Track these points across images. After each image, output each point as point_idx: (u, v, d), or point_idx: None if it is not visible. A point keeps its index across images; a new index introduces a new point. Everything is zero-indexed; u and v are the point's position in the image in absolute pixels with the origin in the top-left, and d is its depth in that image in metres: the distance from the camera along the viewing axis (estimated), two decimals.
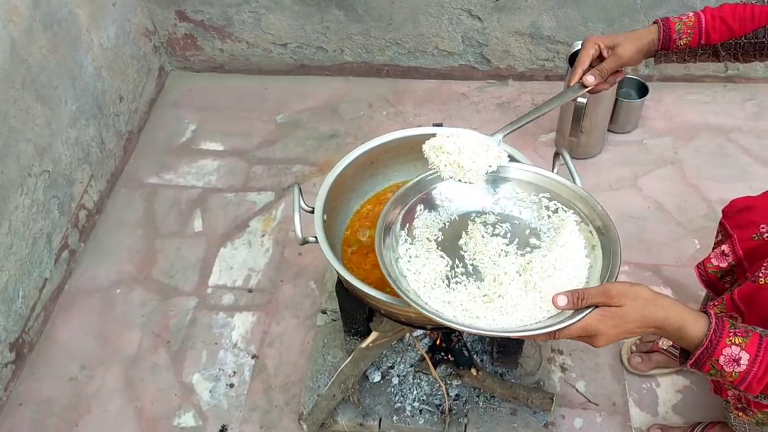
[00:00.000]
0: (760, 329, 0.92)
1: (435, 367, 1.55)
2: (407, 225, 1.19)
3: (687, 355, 0.95)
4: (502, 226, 1.20)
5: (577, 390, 1.61)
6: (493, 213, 1.22)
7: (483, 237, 1.17)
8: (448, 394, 1.56)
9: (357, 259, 1.41)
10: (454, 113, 2.35)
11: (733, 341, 0.89)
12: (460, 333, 1.58)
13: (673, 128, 2.22)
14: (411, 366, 1.61)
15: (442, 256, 1.14)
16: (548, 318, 1.01)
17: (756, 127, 2.19)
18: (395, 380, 1.59)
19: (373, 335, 1.49)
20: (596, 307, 0.93)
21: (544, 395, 1.52)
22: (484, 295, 1.07)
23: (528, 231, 1.19)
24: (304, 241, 1.28)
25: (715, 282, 1.29)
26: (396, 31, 2.35)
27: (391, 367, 1.61)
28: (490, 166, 1.20)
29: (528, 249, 1.15)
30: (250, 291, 1.88)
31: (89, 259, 1.99)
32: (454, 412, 1.54)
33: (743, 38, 1.20)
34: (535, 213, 1.22)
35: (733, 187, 1.87)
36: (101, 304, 1.88)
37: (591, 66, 1.25)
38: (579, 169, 1.36)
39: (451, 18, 2.27)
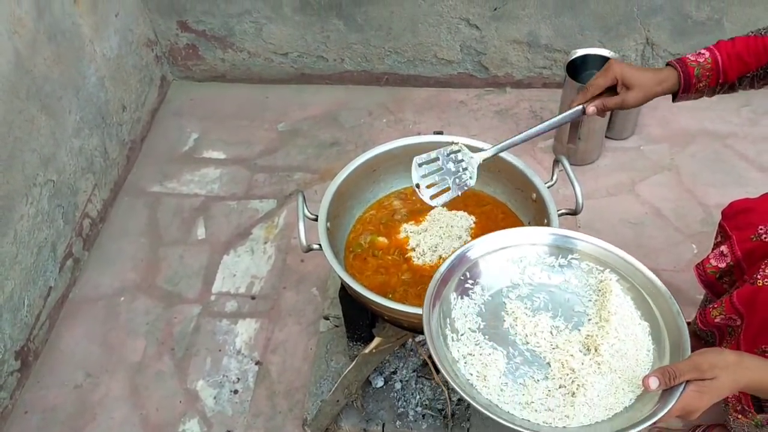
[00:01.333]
0: None
1: (437, 372, 1.56)
2: (447, 320, 1.08)
3: (758, 401, 0.98)
4: (539, 297, 1.13)
5: None
6: (524, 284, 1.15)
7: (527, 315, 1.10)
8: (450, 398, 1.57)
9: (358, 265, 1.43)
10: (453, 120, 2.37)
11: None
12: None
13: (669, 134, 2.25)
14: (413, 371, 1.62)
15: (494, 348, 1.06)
16: (635, 398, 0.98)
17: (751, 133, 2.22)
18: (398, 385, 1.61)
19: (376, 341, 1.50)
20: (687, 382, 0.91)
21: None
22: (559, 387, 1.01)
23: (568, 298, 1.13)
24: (309, 248, 1.30)
25: (714, 282, 1.31)
26: (395, 40, 2.37)
27: (394, 372, 1.63)
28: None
29: (576, 319, 1.10)
30: (253, 298, 1.90)
31: (93, 268, 2.01)
32: (456, 416, 1.56)
33: (759, 70, 1.20)
34: (568, 276, 1.15)
35: (730, 192, 1.90)
36: (105, 312, 1.89)
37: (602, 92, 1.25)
38: (577, 176, 1.39)
39: (450, 27, 2.30)
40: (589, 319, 1.09)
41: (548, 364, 1.04)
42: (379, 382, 1.61)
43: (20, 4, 1.74)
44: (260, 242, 2.04)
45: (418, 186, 1.27)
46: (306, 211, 1.35)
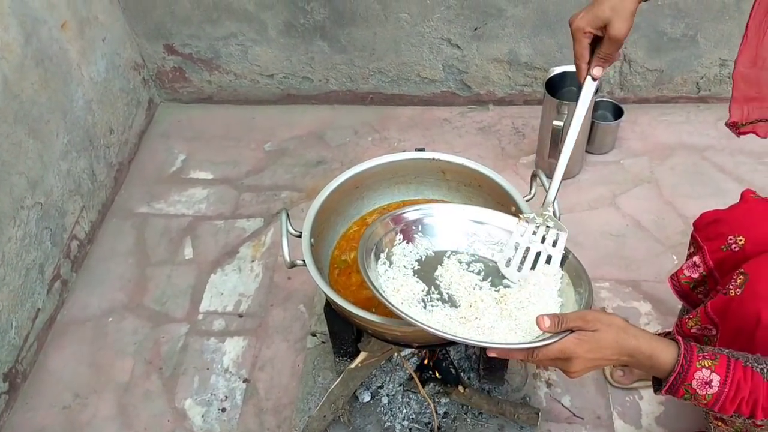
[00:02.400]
0: (727, 351, 0.97)
1: (423, 386, 1.58)
2: (386, 250, 1.26)
3: (659, 384, 0.99)
4: (476, 266, 1.27)
5: (562, 404, 1.65)
6: (467, 253, 1.29)
7: (458, 271, 1.24)
8: (436, 411, 1.59)
9: (343, 281, 1.45)
10: (437, 138, 2.41)
11: (703, 364, 0.94)
12: (447, 351, 1.62)
13: (648, 148, 2.29)
14: (400, 385, 1.64)
15: (418, 282, 1.21)
16: (523, 341, 1.06)
17: (729, 146, 2.27)
18: (385, 400, 1.62)
19: (362, 355, 1.52)
20: (572, 331, 0.97)
21: (531, 410, 1.56)
22: (461, 317, 1.13)
23: (501, 273, 1.24)
24: (292, 265, 1.32)
25: (689, 292, 1.34)
26: (379, 61, 2.42)
27: (381, 387, 1.64)
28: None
29: (500, 287, 1.21)
30: (240, 316, 1.91)
31: (81, 289, 2.02)
32: (443, 429, 1.58)
33: None
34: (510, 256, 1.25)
35: (709, 204, 1.90)
36: (93, 333, 1.90)
37: (592, 54, 1.15)
38: (559, 190, 1.42)
39: (432, 47, 2.35)
40: (513, 287, 1.20)
41: (459, 306, 1.16)
42: (366, 397, 1.63)
43: (8, 30, 1.77)
44: (247, 261, 2.05)
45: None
46: (290, 228, 1.38)
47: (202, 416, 1.70)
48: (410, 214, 1.31)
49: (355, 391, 1.61)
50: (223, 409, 1.71)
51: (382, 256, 1.25)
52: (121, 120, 2.36)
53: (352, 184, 1.52)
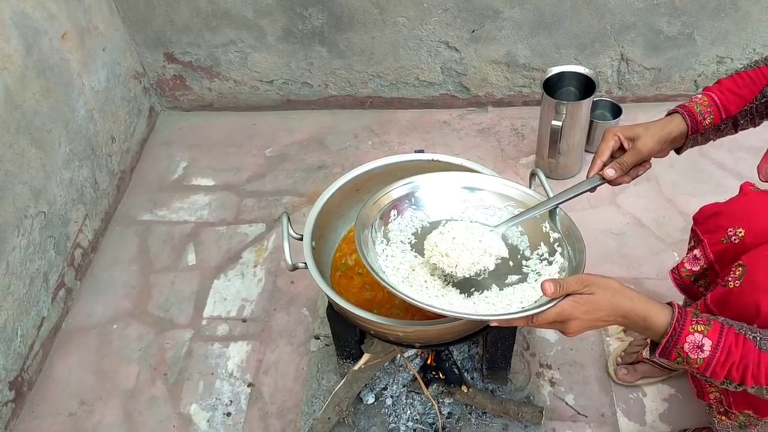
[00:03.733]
0: (722, 318, 0.99)
1: (427, 387, 1.59)
2: (383, 228, 1.28)
3: (654, 347, 1.01)
4: None
5: (566, 403, 1.65)
6: (462, 220, 1.30)
7: (454, 239, 1.22)
8: (440, 412, 1.59)
9: (345, 283, 1.46)
10: (437, 140, 2.42)
11: (695, 329, 0.96)
12: (450, 352, 1.62)
13: None
14: (403, 386, 1.65)
15: (416, 256, 1.24)
16: (521, 307, 1.10)
17: (728, 142, 2.24)
18: (389, 401, 1.63)
19: (365, 357, 1.53)
20: (569, 295, 1.01)
21: (534, 409, 1.56)
22: (459, 292, 1.17)
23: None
24: (294, 267, 1.33)
25: (690, 286, 1.35)
26: (378, 65, 2.43)
27: (384, 389, 1.65)
28: (477, 263, 1.19)
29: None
30: (244, 321, 1.92)
31: (85, 297, 2.03)
32: (447, 429, 1.58)
33: (755, 101, 1.24)
34: (502, 219, 1.30)
35: (709, 201, 1.89)
36: (98, 340, 1.91)
37: (612, 158, 1.26)
38: (559, 189, 1.42)
39: (430, 50, 2.37)
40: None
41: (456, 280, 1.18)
42: (370, 399, 1.63)
43: (9, 41, 1.78)
44: (250, 266, 2.06)
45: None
46: (291, 231, 1.38)
47: (208, 421, 1.70)
48: (400, 189, 1.32)
49: (359, 392, 1.61)
50: (228, 414, 1.71)
51: (379, 235, 1.26)
52: (123, 128, 2.37)
53: (352, 187, 1.53)
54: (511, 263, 1.24)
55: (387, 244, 1.25)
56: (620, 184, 1.27)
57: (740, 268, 1.12)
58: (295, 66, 2.47)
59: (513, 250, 1.27)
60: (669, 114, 1.28)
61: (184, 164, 2.45)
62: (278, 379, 1.77)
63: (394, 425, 1.59)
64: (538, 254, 1.25)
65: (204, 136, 2.56)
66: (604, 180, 1.25)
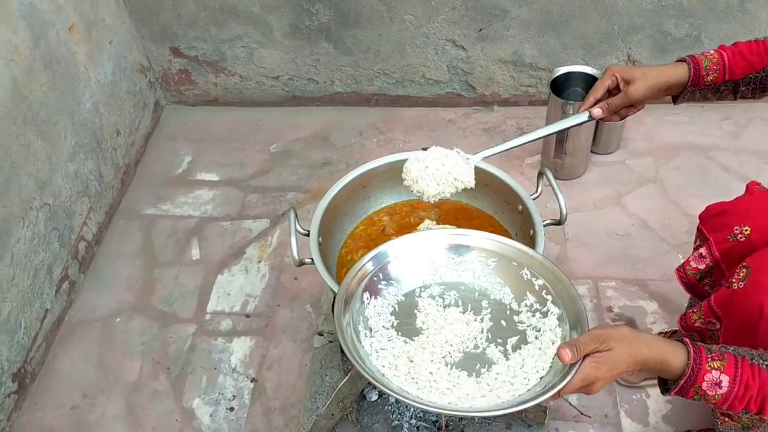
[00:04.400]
0: (732, 348, 0.98)
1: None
2: (360, 318, 1.16)
3: (665, 383, 1.00)
4: (450, 295, 1.21)
5: (569, 403, 1.65)
6: (435, 284, 1.23)
7: (438, 311, 1.18)
8: None
9: None
10: (442, 139, 2.42)
11: (712, 366, 0.95)
12: None
13: (653, 148, 2.30)
14: None
15: (406, 342, 1.13)
16: (539, 379, 1.04)
17: (733, 145, 2.27)
18: (392, 398, 1.63)
19: None
20: (586, 356, 0.96)
21: (538, 409, 1.56)
22: (465, 371, 1.08)
23: (477, 294, 1.22)
24: (301, 263, 1.33)
25: (695, 284, 1.34)
26: (384, 62, 2.43)
27: None
28: (445, 189, 1.21)
29: (485, 313, 1.18)
30: (247, 316, 1.92)
31: (89, 290, 2.03)
32: (450, 427, 1.58)
33: (762, 71, 1.23)
34: (476, 272, 1.24)
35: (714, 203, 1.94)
36: (101, 334, 1.91)
37: (610, 94, 1.27)
38: (564, 190, 1.43)
39: (437, 48, 2.36)
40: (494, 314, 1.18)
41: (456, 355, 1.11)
42: (374, 396, 1.63)
43: (17, 32, 1.78)
44: (254, 261, 2.06)
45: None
46: (298, 227, 1.38)
47: (210, 416, 1.70)
48: (366, 267, 1.22)
49: (363, 389, 1.61)
50: (231, 409, 1.71)
51: (361, 329, 1.14)
52: (128, 122, 2.37)
53: (359, 184, 1.53)
54: (503, 322, 1.17)
55: (371, 335, 1.13)
56: (610, 121, 1.29)
57: (744, 270, 1.12)
58: (301, 62, 2.47)
59: (499, 306, 1.20)
60: (678, 60, 1.26)
61: (189, 159, 2.45)
62: (281, 375, 1.77)
63: (397, 422, 1.59)
64: (527, 306, 1.19)
65: (209, 131, 2.56)
66: (592, 117, 1.26)
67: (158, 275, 2.05)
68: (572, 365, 0.96)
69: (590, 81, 2.09)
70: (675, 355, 0.96)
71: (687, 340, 0.98)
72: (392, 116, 2.54)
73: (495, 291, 1.22)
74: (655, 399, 1.65)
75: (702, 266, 1.31)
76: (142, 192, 2.34)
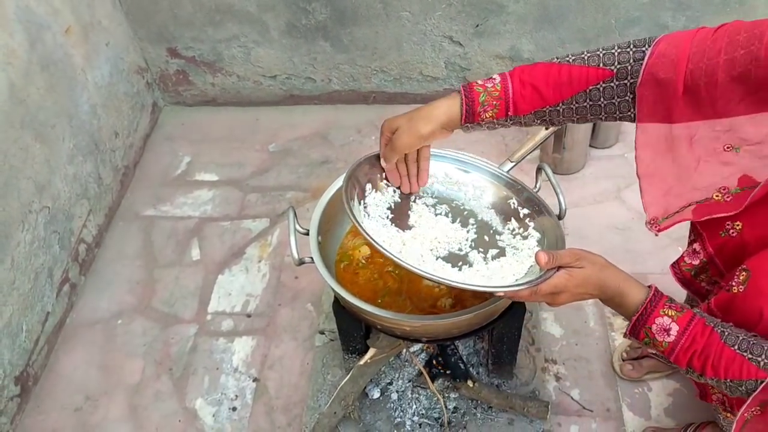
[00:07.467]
0: (698, 310, 1.02)
1: (432, 381, 1.59)
2: (362, 201, 1.25)
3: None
4: (441, 207, 1.33)
5: (571, 398, 1.65)
6: (429, 196, 1.34)
7: (429, 214, 1.29)
8: (446, 406, 1.59)
9: (350, 277, 1.46)
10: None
11: (666, 312, 1.00)
12: (456, 347, 1.62)
13: None
14: (409, 381, 1.65)
15: (398, 231, 1.24)
16: (515, 281, 1.14)
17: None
18: (394, 396, 1.63)
19: (371, 352, 1.53)
20: (560, 268, 1.04)
21: (540, 404, 1.56)
22: (448, 263, 1.19)
23: (465, 212, 1.34)
24: (301, 262, 1.33)
25: (691, 280, 1.34)
26: (381, 60, 2.43)
27: (390, 383, 1.65)
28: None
29: (471, 227, 1.30)
30: (248, 316, 1.92)
31: (90, 292, 2.03)
32: (453, 424, 1.58)
33: (560, 105, 1.10)
34: (467, 194, 1.36)
35: None
36: (103, 335, 1.91)
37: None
38: (563, 185, 1.43)
39: (434, 45, 2.36)
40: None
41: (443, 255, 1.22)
42: (376, 393, 1.63)
43: (13, 36, 1.78)
44: (254, 261, 2.06)
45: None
46: (297, 226, 1.38)
47: (213, 416, 1.71)
48: (369, 160, 1.28)
49: (365, 387, 1.61)
50: (234, 408, 1.72)
51: (361, 208, 1.23)
52: (126, 124, 2.37)
53: None
54: (486, 238, 1.28)
55: (368, 218, 1.23)
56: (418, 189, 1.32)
57: (744, 273, 1.11)
58: (299, 61, 2.47)
59: (484, 225, 1.31)
60: (457, 91, 1.14)
61: (188, 159, 2.45)
62: (283, 374, 1.77)
63: (399, 420, 1.60)
64: (509, 229, 1.30)
65: (207, 132, 2.56)
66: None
67: (159, 276, 2.05)
68: (547, 272, 1.04)
69: None
70: (635, 293, 1.03)
71: (655, 285, 1.04)
72: (390, 113, 2.50)
73: (482, 213, 1.34)
74: (657, 393, 1.65)
75: (696, 261, 1.30)
76: (142, 193, 2.34)
